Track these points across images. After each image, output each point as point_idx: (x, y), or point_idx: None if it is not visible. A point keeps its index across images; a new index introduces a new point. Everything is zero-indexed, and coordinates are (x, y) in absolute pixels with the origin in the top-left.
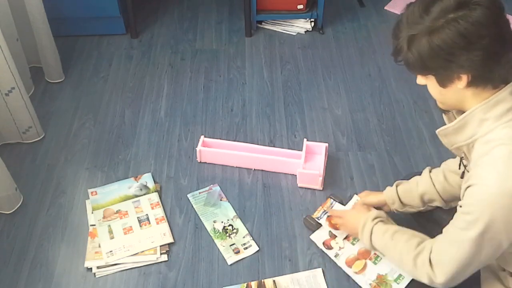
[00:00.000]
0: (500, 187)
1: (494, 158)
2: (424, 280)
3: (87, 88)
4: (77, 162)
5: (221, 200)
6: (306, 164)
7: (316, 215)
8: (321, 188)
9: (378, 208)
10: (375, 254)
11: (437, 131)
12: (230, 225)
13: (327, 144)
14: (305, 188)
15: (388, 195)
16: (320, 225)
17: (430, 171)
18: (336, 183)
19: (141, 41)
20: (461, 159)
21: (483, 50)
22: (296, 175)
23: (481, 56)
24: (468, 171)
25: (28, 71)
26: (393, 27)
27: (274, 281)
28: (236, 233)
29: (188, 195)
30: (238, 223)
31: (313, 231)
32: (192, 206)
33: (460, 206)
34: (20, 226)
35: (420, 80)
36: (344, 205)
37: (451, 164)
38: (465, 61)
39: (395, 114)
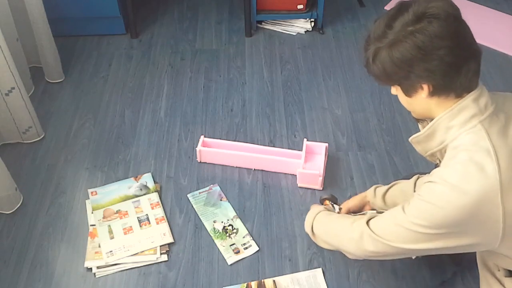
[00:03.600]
0: (456, 187)
1: (457, 162)
2: (353, 242)
3: (87, 88)
4: (77, 162)
5: (221, 200)
6: (306, 164)
7: None
8: (321, 188)
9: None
10: None
11: (409, 139)
12: (230, 225)
13: (327, 144)
14: (305, 188)
15: (371, 191)
16: None
17: (416, 181)
18: (336, 183)
19: (141, 41)
20: (436, 165)
21: (440, 61)
22: (296, 175)
23: (438, 66)
24: None
25: (28, 71)
26: (364, 41)
27: (274, 281)
28: (236, 233)
29: (188, 195)
30: (238, 223)
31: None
32: (192, 206)
33: (419, 194)
34: (20, 226)
35: (393, 90)
36: (338, 204)
37: None
38: (423, 71)
39: (395, 114)
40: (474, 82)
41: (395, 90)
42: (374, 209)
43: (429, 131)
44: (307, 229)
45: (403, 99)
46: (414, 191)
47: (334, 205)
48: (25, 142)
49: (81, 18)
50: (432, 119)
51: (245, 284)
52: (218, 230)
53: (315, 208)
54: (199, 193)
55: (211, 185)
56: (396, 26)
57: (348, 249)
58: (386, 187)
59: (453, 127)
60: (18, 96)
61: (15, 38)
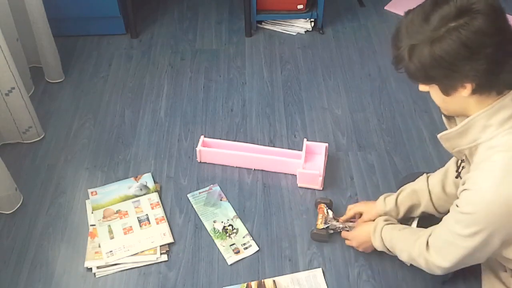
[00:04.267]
0: (494, 194)
1: (492, 164)
2: (422, 263)
3: (87, 88)
4: (77, 162)
5: (221, 200)
6: (306, 164)
7: (320, 225)
8: (321, 188)
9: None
10: None
11: (438, 136)
12: (230, 225)
13: (327, 144)
14: (305, 188)
15: (381, 202)
16: (331, 232)
17: (427, 179)
18: (336, 183)
19: (141, 41)
20: (461, 161)
21: (486, 59)
22: (296, 175)
23: (485, 65)
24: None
25: (28, 71)
26: (392, 35)
27: (274, 281)
28: (236, 233)
29: (188, 195)
30: (238, 223)
31: (326, 241)
32: (192, 206)
33: (457, 206)
34: (20, 226)
35: (423, 87)
36: (332, 207)
37: (450, 175)
38: (469, 71)
39: (395, 114)
40: None
41: (428, 87)
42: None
43: (463, 129)
44: (379, 246)
45: (437, 97)
46: (428, 188)
47: (329, 210)
48: (25, 142)
49: (81, 18)
50: (464, 116)
51: (245, 284)
52: (218, 230)
53: (375, 226)
54: (199, 193)
55: (211, 185)
56: (435, 20)
57: (422, 267)
58: (395, 194)
59: (491, 126)
60: (18, 96)
61: (15, 38)
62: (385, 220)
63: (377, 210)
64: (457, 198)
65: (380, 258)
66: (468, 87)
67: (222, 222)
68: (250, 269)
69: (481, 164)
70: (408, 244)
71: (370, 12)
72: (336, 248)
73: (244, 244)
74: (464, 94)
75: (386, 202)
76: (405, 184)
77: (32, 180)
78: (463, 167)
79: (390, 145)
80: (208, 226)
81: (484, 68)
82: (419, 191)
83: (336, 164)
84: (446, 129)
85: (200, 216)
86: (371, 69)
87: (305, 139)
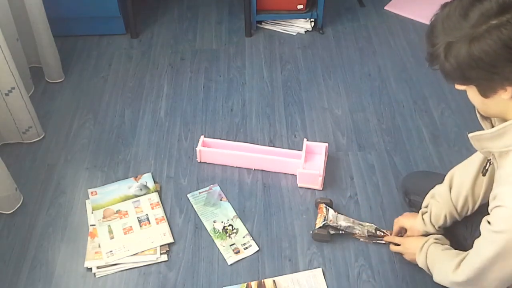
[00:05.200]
0: None
1: None
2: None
3: (87, 88)
4: (77, 162)
5: (221, 200)
6: (306, 164)
7: (318, 224)
8: (321, 188)
9: None
10: None
11: (470, 135)
12: (230, 225)
13: (327, 144)
14: (305, 188)
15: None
16: (332, 232)
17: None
18: (336, 183)
19: (141, 41)
20: (488, 160)
21: None
22: (296, 175)
23: None
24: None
25: (28, 71)
26: (427, 30)
27: (274, 281)
28: (236, 233)
29: (188, 195)
30: (238, 223)
31: (328, 241)
32: (192, 206)
33: (488, 223)
34: (20, 226)
35: (460, 86)
36: (332, 206)
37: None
38: (510, 73)
39: (395, 114)
40: None
41: (465, 87)
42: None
43: (499, 133)
44: (422, 264)
45: (475, 98)
46: (450, 190)
47: (330, 209)
48: (25, 142)
49: (81, 18)
50: (502, 119)
51: (245, 284)
52: (218, 230)
53: (422, 245)
54: (199, 193)
55: (211, 185)
56: (474, 16)
57: None
58: (423, 210)
59: None
60: (18, 96)
61: (15, 38)
62: (436, 239)
63: (418, 229)
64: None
65: (380, 258)
66: (509, 90)
67: (222, 222)
68: (250, 269)
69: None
70: (446, 267)
71: (370, 12)
72: (336, 248)
73: (244, 244)
74: (504, 97)
75: (424, 221)
76: (405, 184)
77: (32, 180)
78: (491, 163)
79: (390, 145)
80: (208, 226)
81: None
82: (440, 196)
83: (336, 164)
84: (479, 129)
85: (200, 216)
86: (371, 69)
87: (305, 139)
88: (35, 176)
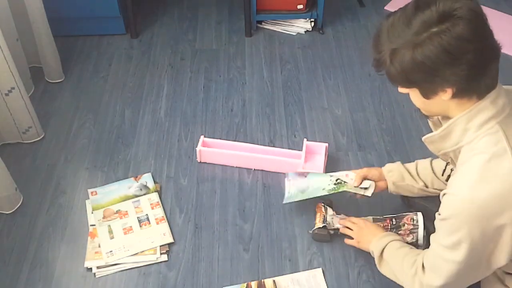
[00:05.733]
0: (470, 197)
1: (469, 167)
2: (416, 285)
3: (87, 88)
4: (77, 162)
5: (305, 177)
6: (306, 164)
7: (318, 224)
8: None
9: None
10: None
11: (423, 139)
12: (337, 179)
13: (327, 144)
14: None
15: (389, 165)
16: (332, 232)
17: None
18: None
19: (141, 41)
20: (447, 164)
21: (467, 65)
22: None
23: (466, 70)
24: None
25: (28, 71)
26: (373, 38)
27: (274, 281)
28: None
29: (285, 202)
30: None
31: (328, 241)
32: (293, 202)
33: (439, 214)
34: (20, 226)
35: (403, 89)
36: (332, 207)
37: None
38: (449, 75)
39: (395, 114)
40: (496, 80)
41: (408, 90)
42: None
43: (445, 132)
44: (376, 252)
45: (418, 100)
46: (432, 169)
47: (329, 208)
48: (25, 142)
49: (81, 18)
50: (444, 117)
51: (245, 284)
52: (335, 184)
53: (388, 234)
54: (288, 192)
55: (285, 178)
56: (417, 24)
57: None
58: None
59: (470, 129)
60: (18, 96)
61: (15, 38)
62: (396, 237)
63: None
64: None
65: None
66: (449, 91)
67: (330, 180)
68: (250, 269)
69: (461, 167)
70: (407, 262)
71: (370, 12)
72: (336, 248)
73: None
74: (444, 98)
75: (392, 163)
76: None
77: (32, 180)
78: (451, 169)
79: (390, 145)
80: (323, 192)
81: (465, 74)
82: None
83: (336, 164)
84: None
85: (313, 198)
86: (371, 69)
87: (305, 139)
88: (35, 176)
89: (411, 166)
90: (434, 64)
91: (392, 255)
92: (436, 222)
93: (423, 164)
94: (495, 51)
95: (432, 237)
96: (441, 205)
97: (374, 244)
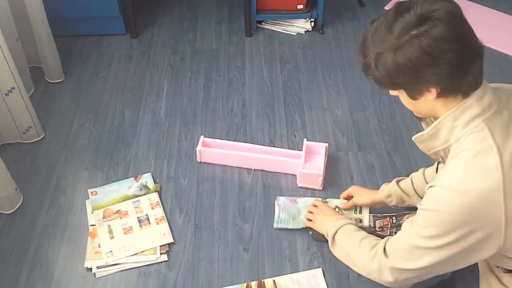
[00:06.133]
0: (456, 189)
1: (456, 162)
2: (374, 273)
3: (87, 88)
4: (77, 162)
5: (296, 203)
6: (306, 164)
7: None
8: (321, 188)
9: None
10: None
11: (413, 138)
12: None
13: (327, 144)
14: (305, 188)
15: (386, 190)
16: None
17: (424, 172)
18: (336, 183)
19: (141, 41)
20: (438, 163)
21: (448, 64)
22: (296, 175)
23: (447, 70)
24: None
25: (28, 71)
26: (360, 44)
27: (274, 281)
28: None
29: (274, 226)
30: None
31: (327, 241)
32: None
33: (420, 204)
34: (20, 226)
35: (393, 92)
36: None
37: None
38: (431, 76)
39: (395, 114)
40: (480, 79)
41: (397, 92)
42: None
43: (433, 131)
44: (330, 234)
45: (406, 101)
46: (426, 181)
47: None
48: (25, 142)
49: (81, 18)
50: (436, 118)
51: (245, 284)
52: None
53: (343, 217)
54: (278, 217)
55: (275, 201)
56: (397, 29)
57: (371, 277)
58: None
59: (457, 127)
60: (18, 96)
61: (15, 38)
62: (350, 221)
63: (377, 195)
64: None
65: None
66: (433, 91)
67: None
68: (250, 269)
69: (448, 163)
70: (366, 246)
71: (370, 12)
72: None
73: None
74: (430, 98)
75: (389, 186)
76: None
77: (32, 180)
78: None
79: (390, 145)
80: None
81: (446, 73)
82: (417, 180)
83: (336, 164)
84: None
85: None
86: None
87: (305, 139)
88: (35, 176)
89: (407, 185)
90: (415, 66)
91: (348, 237)
92: (418, 212)
93: (417, 179)
94: (476, 50)
95: (407, 224)
96: (426, 196)
97: (328, 225)
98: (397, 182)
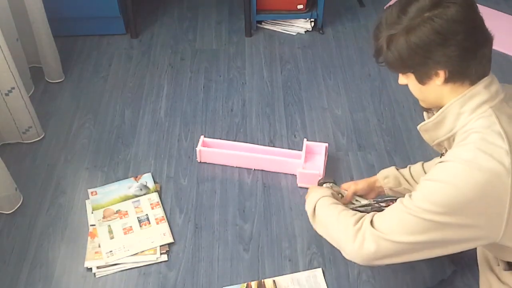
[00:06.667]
0: (468, 162)
1: (468, 142)
2: (353, 245)
3: (87, 88)
4: (77, 162)
5: None
6: (306, 164)
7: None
8: None
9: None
10: None
11: (418, 127)
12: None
13: (327, 144)
14: (305, 188)
15: (384, 172)
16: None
17: (422, 164)
18: (336, 183)
19: (141, 41)
20: (441, 155)
21: (458, 46)
22: (296, 175)
23: (456, 51)
24: None
25: (28, 71)
26: (374, 29)
27: (274, 281)
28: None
29: None
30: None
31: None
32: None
33: (428, 176)
34: (20, 226)
35: (402, 80)
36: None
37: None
38: (441, 57)
39: (395, 114)
40: (488, 68)
41: (406, 78)
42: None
43: (439, 118)
44: (309, 208)
45: (415, 87)
46: (424, 172)
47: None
48: (25, 142)
49: (81, 18)
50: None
51: (245, 284)
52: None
53: (322, 190)
54: None
55: None
56: (411, 11)
57: (346, 248)
58: (393, 171)
59: (464, 113)
60: (18, 96)
61: (15, 38)
62: (328, 194)
63: (376, 181)
64: None
65: None
66: (442, 75)
67: None
68: (250, 269)
69: (457, 144)
70: (349, 218)
71: (370, 12)
72: (336, 248)
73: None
74: (438, 82)
75: (387, 169)
76: None
77: (32, 180)
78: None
79: (390, 145)
80: None
81: (456, 55)
82: (416, 172)
83: (336, 164)
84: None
85: None
86: (371, 69)
87: (305, 139)
88: (35, 176)
89: (404, 171)
90: (427, 45)
91: (327, 207)
92: (421, 183)
93: (415, 168)
94: (486, 38)
95: (403, 199)
96: (432, 170)
97: (307, 201)
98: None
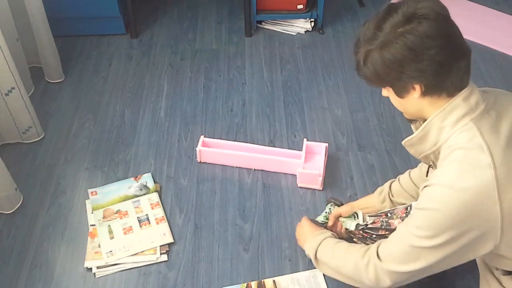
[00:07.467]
0: (451, 185)
1: (450, 161)
2: (369, 281)
3: (87, 88)
4: (77, 162)
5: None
6: (306, 164)
7: (319, 218)
8: (321, 188)
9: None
10: None
11: (403, 142)
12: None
13: (327, 144)
14: (305, 188)
15: (379, 188)
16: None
17: (409, 173)
18: (336, 183)
19: (141, 41)
20: (429, 167)
21: (431, 61)
22: (296, 175)
23: (430, 66)
24: None
25: (28, 71)
26: (354, 44)
27: (274, 281)
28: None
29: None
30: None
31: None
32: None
33: (417, 205)
34: (20, 226)
35: (384, 92)
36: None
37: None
38: (415, 72)
39: (395, 114)
40: (465, 80)
41: (387, 92)
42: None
43: (422, 133)
44: (311, 254)
45: (395, 100)
46: (412, 181)
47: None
48: (25, 142)
49: (81, 18)
50: (424, 120)
51: (245, 284)
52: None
53: (320, 232)
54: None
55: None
56: (386, 27)
57: (364, 282)
58: (387, 186)
59: (446, 127)
60: (18, 96)
61: (15, 38)
62: (332, 235)
63: (371, 198)
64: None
65: None
66: (418, 88)
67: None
68: (250, 269)
69: (441, 162)
70: (355, 254)
71: (370, 12)
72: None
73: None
74: (415, 96)
75: (382, 196)
76: None
77: (32, 180)
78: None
79: (390, 145)
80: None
81: (430, 69)
82: (405, 184)
83: (336, 164)
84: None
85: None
86: None
87: (305, 139)
88: (35, 176)
89: (394, 185)
90: (400, 61)
91: (330, 251)
92: (413, 212)
93: (404, 179)
94: (461, 51)
95: (401, 226)
96: (421, 196)
97: (308, 245)
98: (390, 184)
